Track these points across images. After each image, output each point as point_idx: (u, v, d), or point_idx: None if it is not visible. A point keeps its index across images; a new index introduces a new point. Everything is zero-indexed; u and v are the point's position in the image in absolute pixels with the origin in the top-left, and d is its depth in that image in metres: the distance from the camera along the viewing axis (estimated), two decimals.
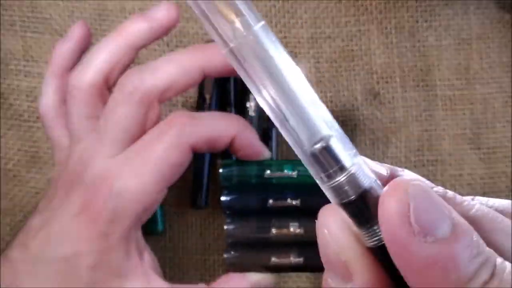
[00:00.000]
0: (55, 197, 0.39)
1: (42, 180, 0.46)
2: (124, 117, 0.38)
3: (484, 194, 0.46)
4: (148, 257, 0.41)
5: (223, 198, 0.43)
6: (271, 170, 0.43)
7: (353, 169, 0.23)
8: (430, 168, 0.46)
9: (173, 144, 0.38)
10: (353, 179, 0.23)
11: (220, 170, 0.43)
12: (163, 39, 0.46)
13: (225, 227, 0.43)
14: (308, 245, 0.43)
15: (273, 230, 0.43)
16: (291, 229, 0.43)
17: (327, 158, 0.23)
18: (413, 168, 0.46)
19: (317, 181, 0.24)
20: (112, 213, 0.37)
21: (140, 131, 0.39)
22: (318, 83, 0.46)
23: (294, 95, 0.23)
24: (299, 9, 0.46)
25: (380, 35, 0.46)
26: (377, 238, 0.23)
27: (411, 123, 0.46)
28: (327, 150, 0.23)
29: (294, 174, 0.43)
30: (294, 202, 0.43)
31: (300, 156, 0.23)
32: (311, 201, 0.43)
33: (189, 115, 0.40)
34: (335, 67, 0.46)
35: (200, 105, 0.45)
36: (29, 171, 0.46)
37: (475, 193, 0.45)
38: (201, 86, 0.45)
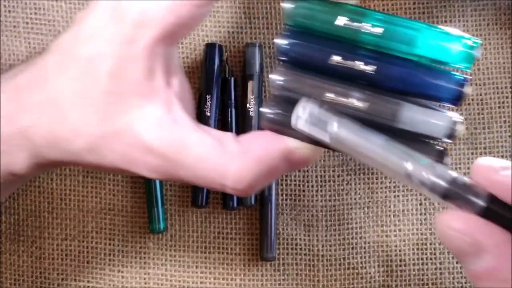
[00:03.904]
0: None
1: (46, 179, 0.46)
2: None
3: None
4: (178, 84, 0.37)
5: (278, 41, 0.34)
6: (347, 17, 0.33)
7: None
8: None
9: None
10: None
11: (283, 4, 0.34)
12: None
13: (271, 75, 0.35)
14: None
15: (328, 95, 0.34)
16: (352, 100, 0.33)
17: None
18: None
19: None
20: (139, 15, 0.35)
21: None
22: None
23: None
24: None
25: None
26: None
27: None
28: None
29: (379, 30, 0.33)
30: (367, 68, 0.33)
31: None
32: (390, 72, 0.33)
33: None
34: None
35: (200, 105, 0.45)
36: None
37: None
38: (202, 86, 0.45)
